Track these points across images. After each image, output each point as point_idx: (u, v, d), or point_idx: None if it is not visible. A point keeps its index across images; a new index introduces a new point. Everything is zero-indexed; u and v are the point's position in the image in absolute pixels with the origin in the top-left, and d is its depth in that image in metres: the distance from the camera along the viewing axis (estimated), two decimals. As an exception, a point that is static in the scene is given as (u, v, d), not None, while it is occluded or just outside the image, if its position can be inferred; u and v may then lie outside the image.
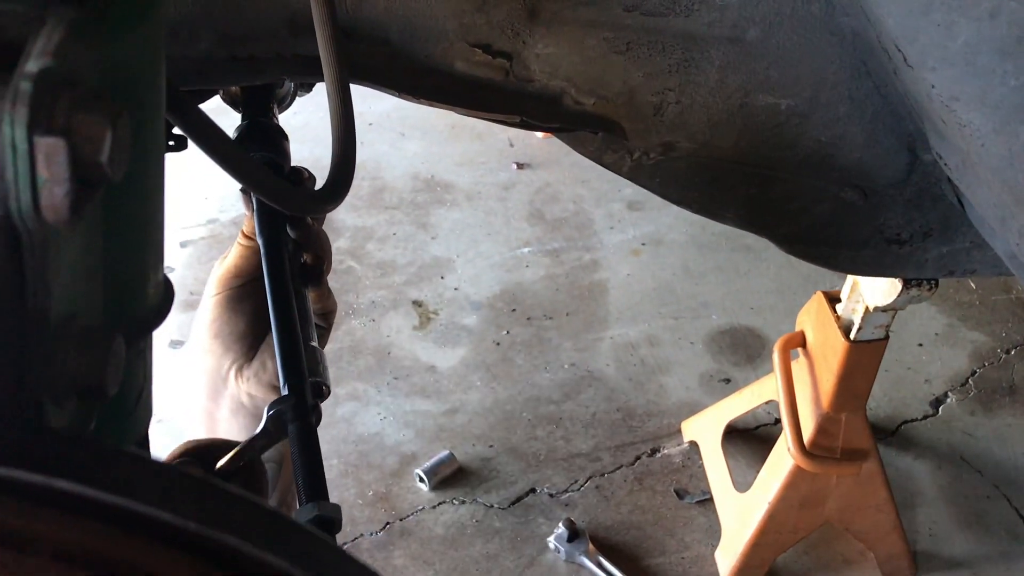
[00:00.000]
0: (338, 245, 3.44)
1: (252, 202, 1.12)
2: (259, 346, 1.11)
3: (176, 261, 3.39)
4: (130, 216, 0.56)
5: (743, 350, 3.18)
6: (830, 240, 1.21)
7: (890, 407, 3.00)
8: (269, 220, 1.09)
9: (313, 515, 0.87)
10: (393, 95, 1.05)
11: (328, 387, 1.01)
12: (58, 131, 0.41)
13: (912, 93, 0.94)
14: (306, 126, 3.50)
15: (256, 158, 1.12)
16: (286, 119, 1.26)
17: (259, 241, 1.08)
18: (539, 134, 3.86)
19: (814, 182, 1.14)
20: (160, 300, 0.62)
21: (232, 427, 1.10)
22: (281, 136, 1.18)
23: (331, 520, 0.88)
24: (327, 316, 1.15)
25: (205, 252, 3.44)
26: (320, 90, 1.05)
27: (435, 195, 3.76)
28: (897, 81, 0.95)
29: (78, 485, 0.38)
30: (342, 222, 3.56)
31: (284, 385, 0.97)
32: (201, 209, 3.61)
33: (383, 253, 3.48)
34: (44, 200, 0.41)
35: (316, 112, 3.65)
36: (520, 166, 3.91)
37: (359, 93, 0.96)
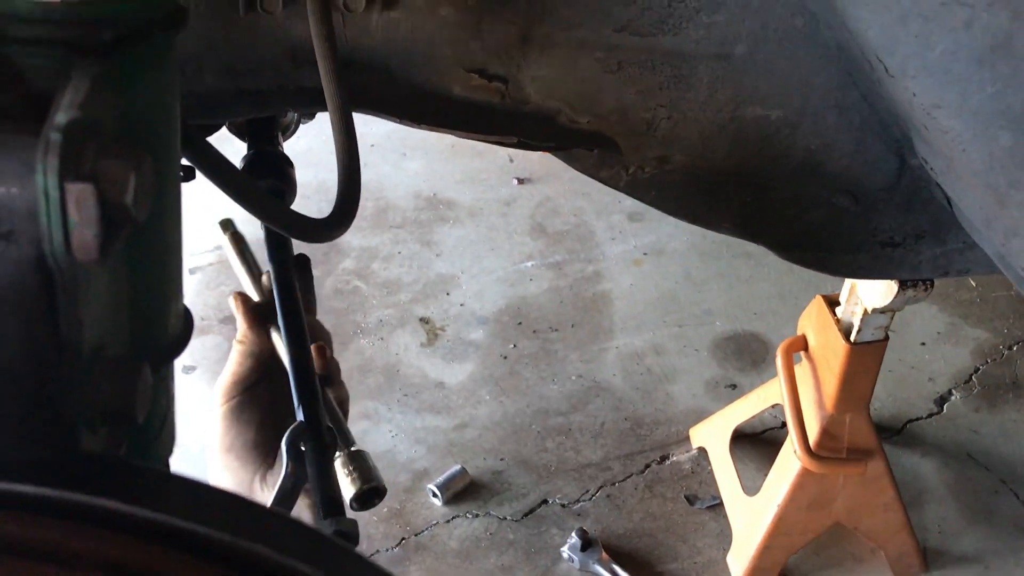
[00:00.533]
0: (344, 266, 3.47)
1: (241, 307, 1.13)
2: (276, 451, 1.05)
3: (186, 288, 3.39)
4: (152, 251, 0.60)
5: (747, 356, 3.19)
6: (825, 245, 1.23)
7: (895, 406, 3.01)
8: (278, 246, 1.12)
9: (332, 531, 0.90)
10: (394, 122, 1.08)
11: (384, 488, 1.01)
12: (86, 177, 0.44)
13: (895, 101, 0.96)
14: (309, 151, 3.52)
15: (263, 186, 1.16)
16: (290, 145, 1.29)
17: (269, 267, 1.11)
18: (538, 150, 3.88)
19: (806, 189, 1.17)
20: (181, 328, 0.65)
21: None
22: (287, 164, 1.21)
23: (349, 535, 0.91)
24: (342, 404, 1.11)
25: (214, 278, 3.47)
26: (322, 116, 1.08)
27: (438, 213, 3.79)
28: (881, 90, 0.98)
29: (118, 503, 0.40)
30: (347, 243, 3.58)
31: (298, 407, 1.00)
32: (209, 235, 3.61)
33: (388, 272, 3.50)
34: (75, 241, 0.44)
35: (319, 137, 3.67)
36: (520, 181, 3.94)
37: (360, 115, 0.99)
